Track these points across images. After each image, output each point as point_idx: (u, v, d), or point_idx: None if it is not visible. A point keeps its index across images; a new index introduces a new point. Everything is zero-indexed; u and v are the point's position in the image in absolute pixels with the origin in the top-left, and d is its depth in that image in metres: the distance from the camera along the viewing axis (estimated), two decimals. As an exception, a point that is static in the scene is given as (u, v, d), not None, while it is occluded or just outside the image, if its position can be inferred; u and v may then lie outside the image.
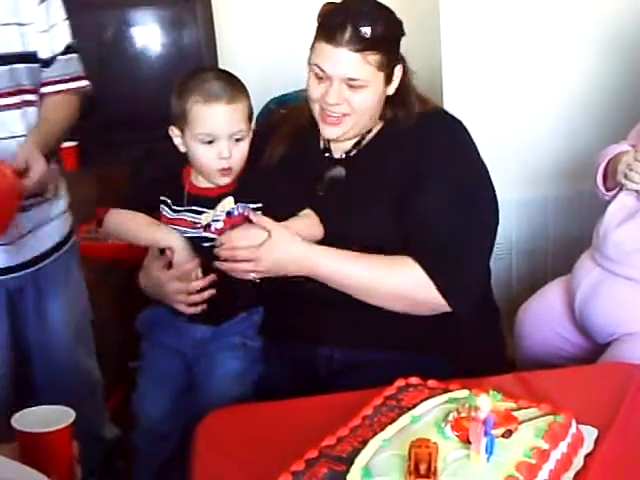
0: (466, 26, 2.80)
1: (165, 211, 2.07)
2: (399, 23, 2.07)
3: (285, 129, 2.16)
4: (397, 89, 2.07)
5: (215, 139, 1.98)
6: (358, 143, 2.12)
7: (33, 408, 1.55)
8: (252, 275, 2.01)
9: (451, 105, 2.78)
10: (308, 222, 2.05)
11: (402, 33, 2.07)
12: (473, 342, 2.11)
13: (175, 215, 2.06)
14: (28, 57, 2.23)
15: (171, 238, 2.03)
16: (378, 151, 2.09)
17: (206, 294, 2.03)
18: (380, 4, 2.07)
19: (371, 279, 2.02)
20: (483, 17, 2.81)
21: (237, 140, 2.00)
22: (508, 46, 2.83)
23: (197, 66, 2.19)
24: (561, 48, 2.87)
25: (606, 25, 2.87)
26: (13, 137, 2.18)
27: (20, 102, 2.19)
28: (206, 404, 1.95)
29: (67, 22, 2.32)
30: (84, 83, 2.38)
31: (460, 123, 2.13)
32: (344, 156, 2.13)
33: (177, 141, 2.05)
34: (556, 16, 2.87)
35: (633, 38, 2.76)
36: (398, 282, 2.01)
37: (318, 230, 2.05)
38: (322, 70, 2.00)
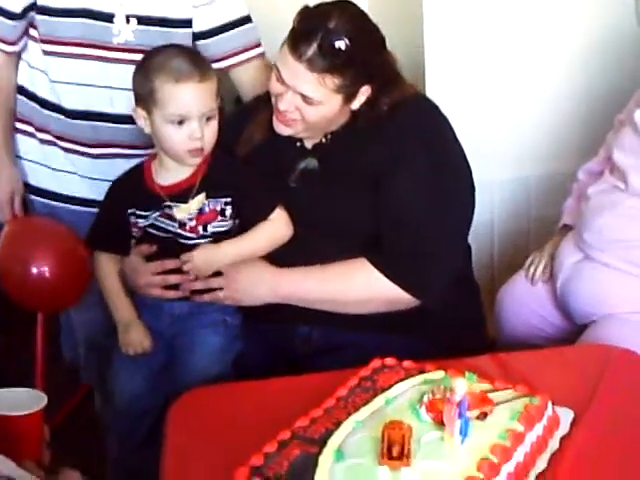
0: (450, 6, 2.77)
1: (137, 221, 2.04)
2: (377, 42, 1.98)
3: (263, 115, 2.09)
4: (382, 81, 1.99)
5: (186, 119, 1.93)
6: (329, 132, 2.06)
7: (3, 390, 1.52)
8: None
9: (433, 84, 2.74)
10: (277, 225, 2.04)
11: (380, 52, 1.99)
12: (453, 321, 2.10)
13: (148, 222, 2.03)
14: (182, 23, 2.26)
15: (124, 318, 2.06)
16: (351, 140, 2.04)
17: (184, 277, 2.02)
18: (361, 17, 1.97)
19: (333, 291, 2.02)
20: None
21: (207, 119, 1.95)
22: (492, 27, 2.80)
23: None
24: (545, 28, 2.84)
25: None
26: (127, 89, 2.17)
27: None
28: (186, 381, 1.95)
29: None
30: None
31: (437, 109, 2.08)
32: (316, 146, 2.08)
33: (141, 122, 1.99)
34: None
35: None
36: (360, 289, 2.01)
37: (287, 231, 2.04)
38: (280, 75, 1.95)
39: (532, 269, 2.36)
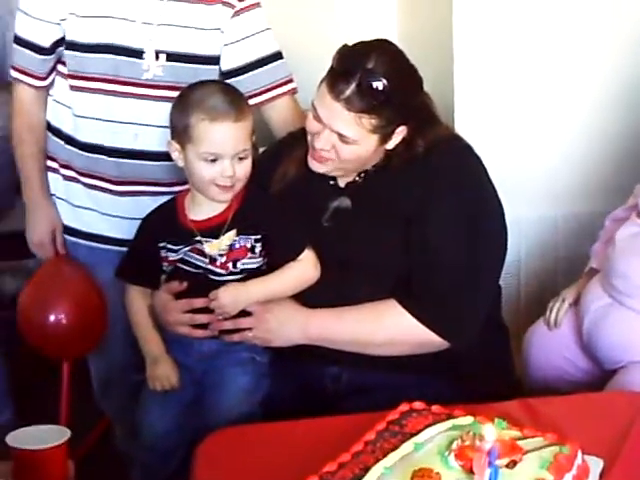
0: (479, 43, 2.78)
1: (167, 255, 2.05)
2: (415, 83, 1.99)
3: (297, 152, 2.09)
4: (418, 122, 1.99)
5: (219, 158, 1.94)
6: (363, 171, 2.06)
7: (29, 427, 1.53)
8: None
9: (462, 122, 2.76)
10: (305, 267, 2.03)
11: (417, 93, 1.99)
12: (482, 363, 2.09)
13: (179, 256, 2.03)
14: (211, 60, 2.28)
15: (153, 352, 2.07)
16: (385, 179, 2.04)
17: (212, 316, 2.03)
18: (399, 58, 1.98)
19: (363, 333, 2.02)
20: (496, 36, 2.80)
21: (240, 158, 1.96)
22: (521, 67, 2.81)
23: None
24: (575, 65, 2.85)
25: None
26: (153, 126, 2.25)
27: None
28: (214, 420, 1.95)
29: (265, 33, 2.33)
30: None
31: (471, 149, 2.08)
32: (349, 185, 2.08)
33: (175, 155, 2.01)
34: (570, 35, 2.84)
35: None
36: (390, 331, 2.01)
37: (314, 273, 2.03)
38: (317, 114, 1.96)
39: (550, 314, 2.36)
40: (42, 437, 1.50)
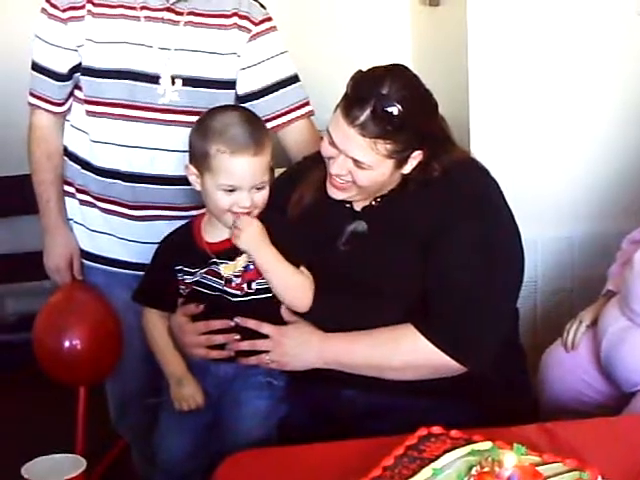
0: (493, 67, 2.79)
1: (184, 278, 2.05)
2: (430, 107, 1.99)
3: (316, 174, 2.09)
4: (434, 146, 1.99)
5: (237, 189, 1.94)
6: (380, 196, 2.06)
7: (45, 457, 1.53)
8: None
9: (478, 143, 2.76)
10: (308, 281, 2.02)
11: (432, 117, 1.99)
12: (499, 384, 2.08)
13: (195, 278, 2.03)
14: (227, 84, 2.29)
15: (177, 372, 2.06)
16: (401, 203, 2.04)
17: (229, 336, 2.02)
18: (414, 83, 1.97)
19: (379, 357, 2.01)
20: (511, 57, 2.80)
21: (258, 189, 1.96)
22: (535, 88, 2.82)
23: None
24: (591, 87, 2.85)
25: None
26: (169, 150, 2.26)
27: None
28: (230, 444, 1.94)
29: (281, 56, 2.34)
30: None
31: (488, 173, 2.08)
32: (365, 209, 2.08)
33: (192, 179, 2.01)
34: (585, 57, 2.85)
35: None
36: (407, 356, 2.00)
37: (309, 294, 2.02)
38: (332, 139, 1.96)
39: (568, 336, 2.36)
40: (58, 468, 1.49)
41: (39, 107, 2.39)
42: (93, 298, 2.46)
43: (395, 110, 1.89)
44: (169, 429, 2.08)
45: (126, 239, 2.38)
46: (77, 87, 2.35)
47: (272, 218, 2.01)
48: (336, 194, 2.02)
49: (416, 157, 1.97)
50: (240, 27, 2.27)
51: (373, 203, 2.07)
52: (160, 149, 2.28)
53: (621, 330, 2.18)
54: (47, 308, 2.48)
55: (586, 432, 1.84)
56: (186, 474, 2.05)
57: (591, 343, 2.31)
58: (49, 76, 2.34)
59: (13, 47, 3.21)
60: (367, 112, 1.89)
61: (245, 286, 2.01)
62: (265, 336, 2.03)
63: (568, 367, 2.33)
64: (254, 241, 1.97)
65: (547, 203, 2.88)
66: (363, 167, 1.94)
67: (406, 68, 2.02)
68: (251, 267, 2.00)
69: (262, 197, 1.98)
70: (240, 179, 1.93)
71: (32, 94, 2.40)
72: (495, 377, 2.05)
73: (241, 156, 1.92)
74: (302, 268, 2.02)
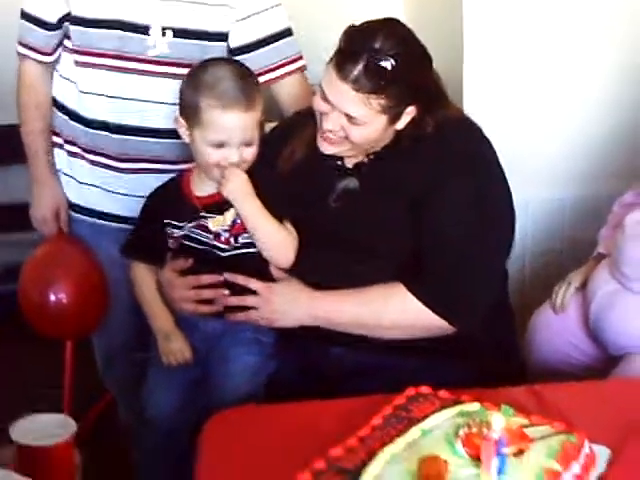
0: (488, 23, 2.76)
1: (172, 232, 2.03)
2: (424, 62, 1.96)
3: (306, 132, 2.07)
4: (427, 102, 1.97)
5: (226, 144, 1.92)
6: (372, 152, 2.04)
7: (32, 416, 1.50)
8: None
9: (471, 101, 2.73)
10: (291, 237, 2.01)
11: (426, 72, 1.97)
12: (487, 344, 2.08)
13: (184, 232, 2.02)
14: (219, 36, 2.25)
15: (164, 327, 2.06)
16: (393, 160, 2.02)
17: (218, 292, 2.01)
18: (408, 37, 1.94)
19: (368, 316, 2.01)
20: (505, 15, 2.77)
21: (247, 144, 1.95)
22: (529, 46, 2.79)
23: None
24: (585, 46, 2.82)
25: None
26: (159, 102, 2.22)
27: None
28: (218, 400, 1.95)
29: (275, 9, 2.30)
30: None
31: (481, 132, 2.06)
32: (357, 165, 2.06)
33: (182, 131, 1.99)
34: (582, 15, 2.82)
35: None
36: (396, 315, 1.99)
37: (291, 251, 2.01)
38: (325, 95, 1.93)
39: (556, 298, 2.36)
40: (47, 429, 1.47)
41: (28, 57, 2.35)
42: (79, 251, 2.44)
43: (388, 65, 1.87)
44: (157, 384, 2.08)
45: (114, 192, 2.36)
46: (66, 36, 2.31)
47: (260, 172, 2.00)
48: (327, 149, 2.00)
49: (410, 112, 1.95)
50: None
51: (365, 160, 2.05)
52: (150, 101, 2.24)
53: (610, 293, 2.18)
54: (32, 261, 2.46)
55: (574, 395, 1.85)
56: (174, 429, 2.04)
57: (580, 305, 2.31)
58: (38, 25, 2.30)
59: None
60: (360, 67, 1.86)
61: (232, 240, 2.00)
62: (254, 292, 2.02)
63: (556, 329, 2.33)
64: (239, 191, 1.96)
65: (539, 164, 2.86)
66: (357, 123, 1.92)
67: (400, 22, 1.99)
68: (238, 221, 1.99)
69: (251, 153, 1.96)
70: (230, 134, 1.91)
71: (21, 43, 2.36)
72: (484, 337, 2.05)
73: (231, 111, 1.90)
74: (287, 224, 2.01)
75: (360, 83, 1.87)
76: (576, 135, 2.87)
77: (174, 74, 2.18)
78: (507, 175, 2.08)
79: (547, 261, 2.93)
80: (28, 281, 2.43)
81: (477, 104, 2.73)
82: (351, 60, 1.88)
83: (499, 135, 2.14)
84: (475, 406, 1.66)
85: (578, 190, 2.89)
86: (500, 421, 1.47)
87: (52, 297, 2.36)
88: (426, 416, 1.63)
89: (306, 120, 2.07)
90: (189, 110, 1.94)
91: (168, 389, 2.05)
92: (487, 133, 2.09)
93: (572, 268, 2.46)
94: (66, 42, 2.32)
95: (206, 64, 1.99)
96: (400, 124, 1.97)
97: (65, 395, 2.47)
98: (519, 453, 1.50)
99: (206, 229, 2.00)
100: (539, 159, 2.85)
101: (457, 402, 1.68)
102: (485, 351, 2.07)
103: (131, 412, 2.52)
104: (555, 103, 2.85)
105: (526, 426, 1.59)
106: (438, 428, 1.60)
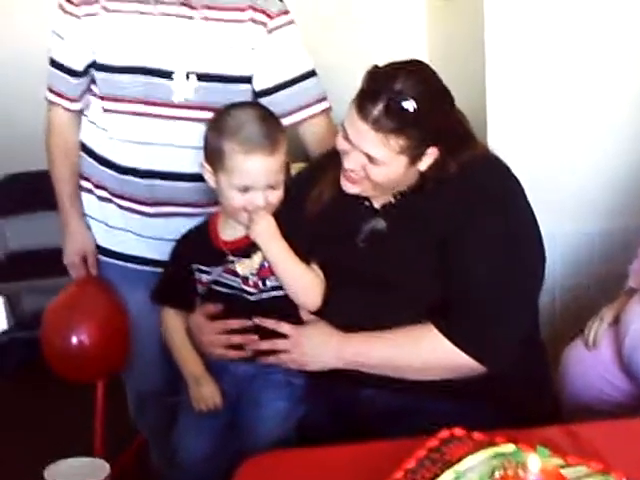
0: (511, 60, 2.77)
1: (201, 277, 2.04)
2: (445, 103, 1.96)
3: (332, 172, 2.07)
4: (450, 143, 1.96)
5: (251, 188, 1.93)
6: (398, 193, 2.04)
7: (65, 460, 1.51)
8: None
9: (496, 137, 2.74)
10: (318, 278, 2.02)
11: (448, 113, 1.96)
12: (520, 384, 2.06)
13: (212, 277, 2.03)
14: (243, 79, 2.26)
15: (195, 372, 2.06)
16: (419, 200, 2.01)
17: (247, 337, 2.02)
18: (430, 78, 1.95)
19: (398, 358, 2.00)
20: (528, 51, 2.78)
21: (272, 187, 1.95)
22: (554, 80, 2.80)
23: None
24: (610, 81, 2.82)
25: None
26: (186, 147, 2.23)
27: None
28: (250, 445, 1.94)
29: (299, 51, 2.32)
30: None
31: (509, 170, 2.06)
32: (384, 206, 2.06)
33: (207, 177, 2.00)
34: (603, 51, 2.82)
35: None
36: (426, 356, 1.98)
37: (318, 294, 2.02)
38: (346, 134, 1.94)
39: (589, 334, 2.33)
40: (80, 473, 1.48)
41: (57, 104, 2.38)
42: (100, 292, 2.45)
43: (409, 106, 1.87)
44: (187, 429, 2.07)
45: (143, 235, 2.37)
46: (93, 82, 2.33)
47: (286, 215, 2.01)
48: (350, 188, 2.01)
49: (431, 154, 1.95)
50: (255, 21, 2.24)
51: (392, 200, 2.05)
52: (176, 145, 2.26)
53: (644, 327, 2.16)
54: (54, 304, 2.47)
55: (610, 433, 1.82)
56: (204, 474, 2.03)
57: (612, 341, 2.29)
58: (66, 73, 2.33)
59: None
60: (380, 107, 1.87)
61: (260, 283, 2.00)
62: (284, 335, 2.02)
63: (589, 364, 2.31)
64: (266, 234, 1.96)
65: (567, 198, 2.85)
66: (376, 163, 1.92)
67: (422, 63, 2.00)
68: (266, 264, 1.99)
69: (276, 196, 1.97)
70: (254, 179, 1.92)
71: (50, 90, 2.39)
72: (516, 374, 2.03)
73: (255, 156, 1.91)
74: (313, 266, 2.02)
75: (380, 123, 1.88)
76: (602, 168, 2.86)
77: (199, 118, 2.19)
78: (534, 209, 2.07)
79: (577, 295, 2.91)
80: (49, 324, 2.43)
81: (502, 139, 2.73)
82: (371, 100, 1.88)
83: (525, 170, 2.14)
84: (510, 447, 1.64)
85: (606, 223, 2.88)
86: (536, 462, 1.46)
87: (73, 339, 2.36)
88: (460, 458, 1.61)
89: (333, 161, 2.07)
90: (213, 155, 1.95)
91: (198, 434, 2.05)
92: (513, 168, 2.08)
93: (602, 302, 2.44)
94: (93, 87, 2.34)
95: (229, 108, 2.00)
96: (422, 165, 1.97)
97: (97, 438, 2.46)
98: (556, 495, 1.48)
99: (234, 273, 2.00)
100: (566, 193, 2.85)
101: (491, 444, 1.66)
102: (517, 388, 2.05)
103: (162, 456, 2.52)
104: (580, 137, 2.85)
105: (562, 467, 1.57)
106: (472, 470, 1.58)
